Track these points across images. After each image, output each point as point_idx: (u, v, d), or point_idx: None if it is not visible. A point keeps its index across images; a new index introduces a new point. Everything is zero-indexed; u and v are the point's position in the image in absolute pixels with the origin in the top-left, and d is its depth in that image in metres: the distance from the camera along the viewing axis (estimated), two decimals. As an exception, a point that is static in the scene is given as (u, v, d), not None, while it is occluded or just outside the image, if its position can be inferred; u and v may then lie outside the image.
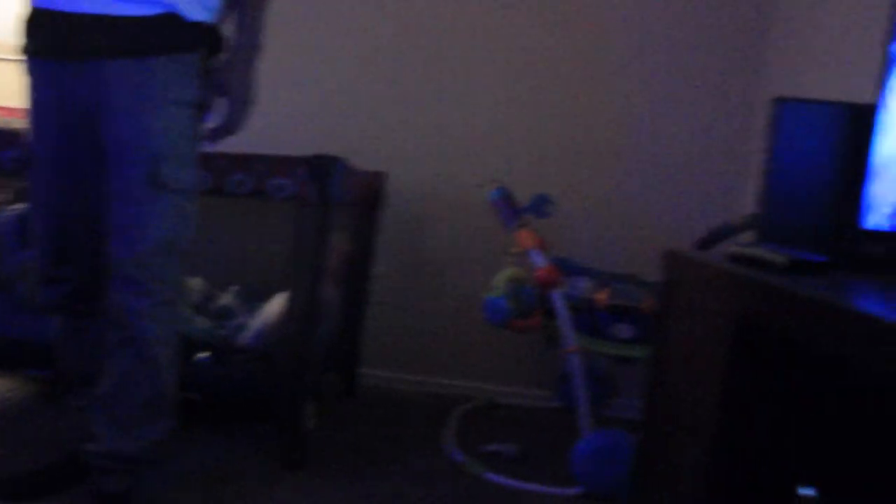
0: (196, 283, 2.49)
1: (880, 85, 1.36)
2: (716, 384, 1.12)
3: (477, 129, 2.81)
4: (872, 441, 1.04)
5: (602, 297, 2.13)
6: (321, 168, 1.98)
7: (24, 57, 1.63)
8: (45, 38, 1.59)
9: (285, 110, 2.79)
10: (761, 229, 1.48)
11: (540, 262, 2.12)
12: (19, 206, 2.36)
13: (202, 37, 1.63)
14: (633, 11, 2.78)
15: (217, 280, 2.57)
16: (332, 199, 1.98)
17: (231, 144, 1.82)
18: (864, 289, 1.09)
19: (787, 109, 1.45)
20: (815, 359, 1.10)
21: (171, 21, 1.56)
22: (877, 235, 1.33)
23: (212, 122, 1.71)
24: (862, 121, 1.40)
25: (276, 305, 2.21)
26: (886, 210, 1.29)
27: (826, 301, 0.84)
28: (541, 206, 2.35)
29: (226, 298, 2.48)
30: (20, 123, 1.84)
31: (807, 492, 0.95)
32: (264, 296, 2.39)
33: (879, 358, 0.71)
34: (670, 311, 1.48)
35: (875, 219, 1.32)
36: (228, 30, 1.73)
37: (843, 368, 1.11)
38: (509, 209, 2.23)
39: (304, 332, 2.02)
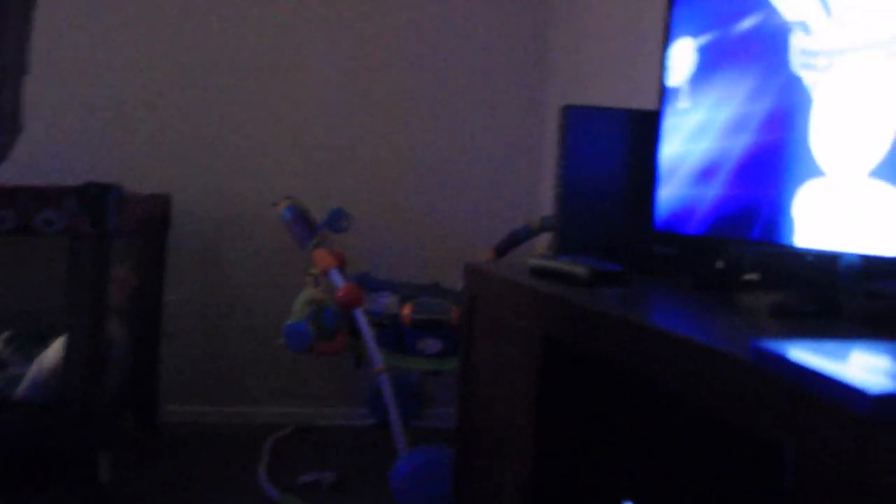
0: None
1: (661, 91, 1.39)
2: (529, 401, 1.10)
3: (267, 144, 2.69)
4: (682, 451, 1.04)
5: (407, 312, 2.09)
6: (94, 197, 1.81)
7: None
8: None
9: (51, 135, 2.54)
10: (557, 235, 1.48)
11: (339, 281, 2.05)
12: None
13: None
14: (419, 21, 2.76)
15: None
16: (109, 230, 1.81)
17: (-16, 179, 1.61)
18: (659, 298, 1.10)
19: (575, 116, 1.45)
20: (620, 374, 1.09)
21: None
22: (666, 237, 1.35)
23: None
24: (646, 126, 1.43)
25: (54, 351, 2.00)
26: (673, 212, 1.32)
27: (624, 318, 0.83)
28: (337, 220, 2.28)
29: (-5, 347, 2.23)
30: None
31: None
32: (41, 341, 2.16)
33: (675, 371, 0.70)
34: (474, 326, 1.45)
35: (664, 220, 1.35)
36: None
37: (649, 383, 1.11)
38: (303, 228, 2.13)
39: (88, 378, 1.83)
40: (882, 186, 0.84)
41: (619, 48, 2.30)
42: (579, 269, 1.14)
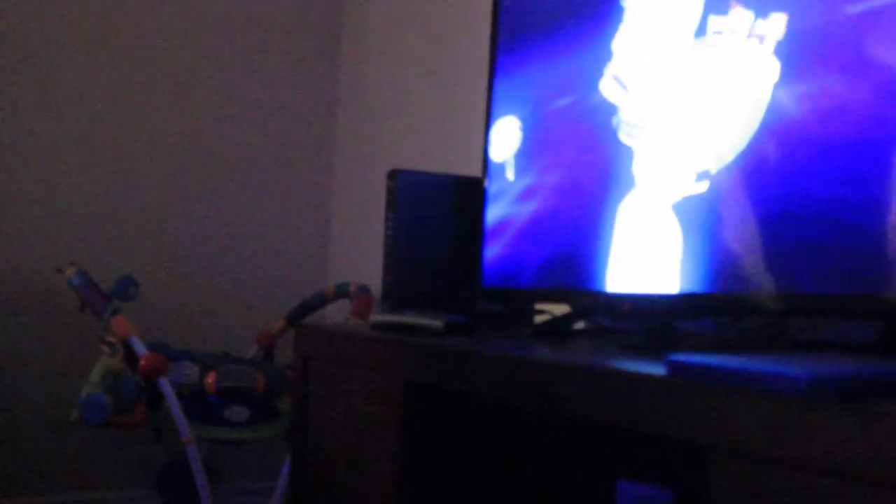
0: None
1: (485, 161, 1.51)
2: (392, 451, 1.12)
3: (47, 205, 2.51)
4: (554, 478, 1.11)
5: (211, 380, 2.02)
6: None
7: None
8: None
9: None
10: (388, 295, 1.53)
11: (141, 349, 1.95)
12: None
13: None
14: (210, 85, 2.73)
15: None
16: None
17: None
18: (516, 343, 1.18)
19: (402, 181, 1.52)
20: (494, 412, 1.15)
21: None
22: (494, 293, 1.45)
23: None
24: (472, 192, 1.53)
25: None
26: (500, 270, 1.42)
27: (502, 355, 0.89)
28: (125, 288, 2.17)
29: None
30: None
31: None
32: None
33: (580, 398, 0.77)
34: (309, 387, 1.45)
35: (491, 278, 1.44)
36: None
37: (534, 417, 1.18)
38: (96, 294, 2.02)
39: None
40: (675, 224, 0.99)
41: (422, 122, 2.43)
42: (433, 321, 1.20)
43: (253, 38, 2.79)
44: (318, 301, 2.44)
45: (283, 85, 2.84)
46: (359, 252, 2.72)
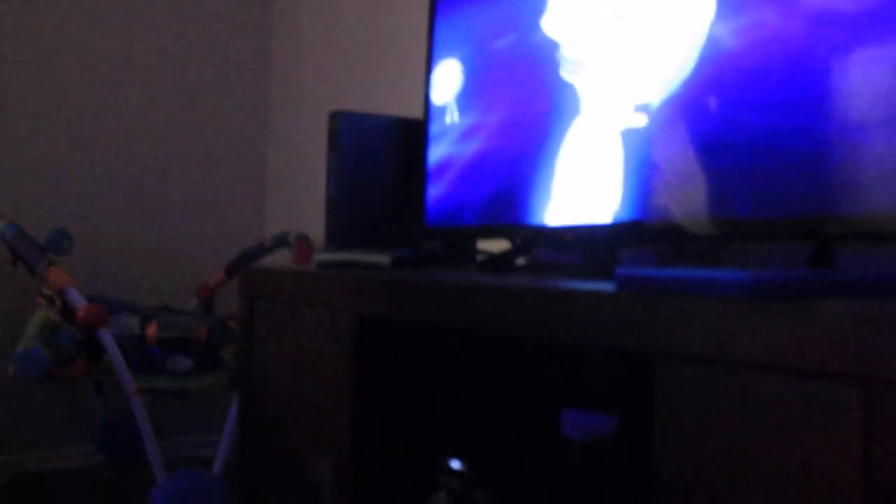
0: None
1: (426, 99, 1.51)
2: (345, 385, 1.14)
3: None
4: (503, 407, 1.14)
5: (152, 331, 2.00)
6: None
7: None
8: None
9: None
10: (330, 237, 1.53)
11: (79, 301, 1.92)
12: None
13: None
14: (135, 39, 2.66)
15: None
16: None
17: None
18: (461, 274, 1.19)
19: (344, 122, 1.52)
20: (441, 340, 1.17)
21: None
22: (439, 232, 1.46)
23: None
24: (414, 133, 1.54)
25: None
26: (444, 209, 1.44)
27: (449, 282, 0.91)
28: (59, 241, 2.13)
29: None
30: None
31: (454, 464, 1.01)
32: None
33: (533, 319, 0.80)
34: (255, 330, 1.46)
35: (435, 218, 1.46)
36: None
37: (486, 340, 1.21)
38: (31, 246, 1.97)
39: None
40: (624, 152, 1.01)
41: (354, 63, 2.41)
42: (380, 257, 1.21)
43: (182, -15, 2.72)
44: (258, 250, 2.43)
45: (215, 30, 2.78)
46: (297, 200, 2.70)
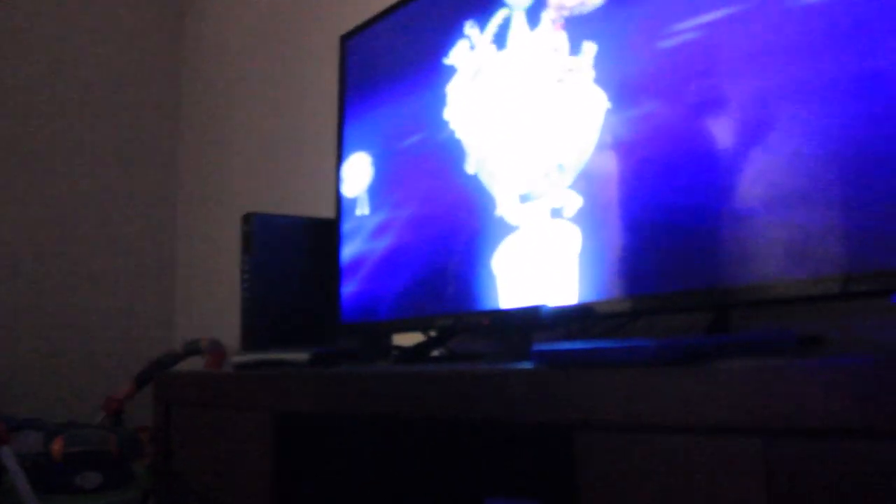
0: None
1: (338, 200, 1.55)
2: (266, 488, 1.12)
3: None
4: (427, 496, 1.14)
5: (58, 447, 1.93)
6: None
7: None
8: None
9: None
10: (246, 339, 1.53)
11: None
12: None
13: None
14: (46, 136, 2.64)
15: None
16: None
17: None
18: (383, 368, 1.20)
19: (258, 224, 1.54)
20: (361, 434, 1.18)
21: None
22: (354, 328, 1.48)
23: None
24: (326, 231, 1.56)
25: None
26: (359, 305, 1.46)
27: (368, 373, 0.93)
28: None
29: None
30: None
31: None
32: None
33: (456, 402, 0.82)
34: (172, 436, 1.43)
35: (350, 314, 1.47)
36: None
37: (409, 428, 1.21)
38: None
39: None
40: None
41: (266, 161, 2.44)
42: (298, 355, 1.21)
43: (90, 89, 2.73)
44: (169, 360, 2.38)
45: (123, 134, 2.78)
46: (208, 304, 2.67)
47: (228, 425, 1.24)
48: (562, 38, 1.13)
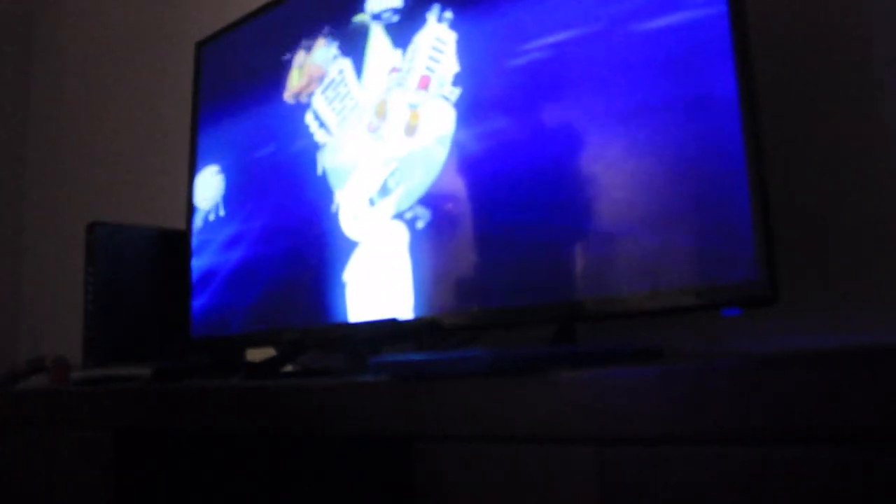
0: None
1: (189, 211, 1.49)
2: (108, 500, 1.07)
3: None
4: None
5: None
6: None
7: None
8: None
9: None
10: (89, 354, 1.45)
11: None
12: None
13: None
14: None
15: None
16: None
17: None
18: (224, 383, 1.17)
19: (102, 234, 1.47)
20: (206, 447, 1.13)
21: None
22: (205, 341, 1.43)
23: None
24: (176, 243, 1.50)
25: None
26: (210, 318, 1.41)
27: (211, 388, 0.90)
28: None
29: None
30: None
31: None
32: None
33: (265, 422, 0.80)
34: (8, 458, 1.34)
35: (201, 328, 1.42)
36: None
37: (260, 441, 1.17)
38: None
39: None
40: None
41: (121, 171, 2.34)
42: (140, 370, 1.16)
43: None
44: (9, 378, 2.23)
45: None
46: (53, 319, 2.53)
47: (65, 446, 1.18)
48: (418, 55, 1.13)
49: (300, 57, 1.32)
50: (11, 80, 2.73)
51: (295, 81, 1.32)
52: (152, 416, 1.00)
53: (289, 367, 1.39)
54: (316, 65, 1.29)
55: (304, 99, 1.30)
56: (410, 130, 1.12)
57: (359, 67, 1.22)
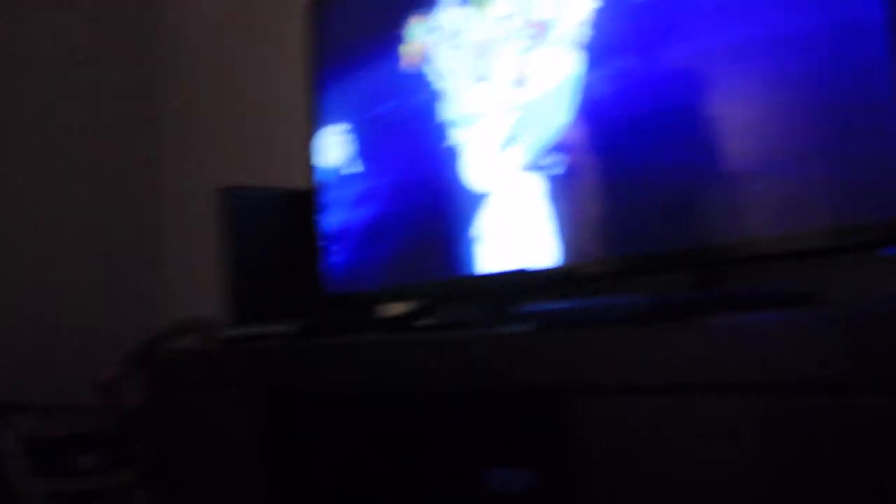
0: None
1: (312, 171, 1.52)
2: (260, 463, 1.12)
3: None
4: (425, 468, 1.14)
5: (54, 428, 1.92)
6: None
7: None
8: None
9: None
10: (231, 315, 1.51)
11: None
12: None
13: None
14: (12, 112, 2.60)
15: None
16: None
17: None
18: (373, 335, 1.19)
19: (234, 198, 1.52)
20: (356, 404, 1.18)
21: None
22: (336, 300, 1.46)
23: None
24: (305, 202, 1.54)
25: None
26: (346, 275, 1.45)
27: (363, 343, 0.92)
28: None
29: None
30: None
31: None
32: None
33: (419, 378, 0.81)
34: (165, 417, 1.42)
35: (337, 285, 1.46)
36: None
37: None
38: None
39: None
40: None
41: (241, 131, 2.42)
42: (288, 327, 1.21)
43: (59, 63, 2.68)
44: (160, 338, 2.35)
45: (99, 108, 2.73)
46: (191, 281, 2.65)
47: (222, 401, 1.24)
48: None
49: (418, 7, 1.31)
50: (135, 52, 2.83)
51: (414, 33, 1.32)
52: (305, 372, 1.04)
53: (422, 322, 1.42)
54: (434, 15, 1.28)
55: (423, 51, 1.30)
56: (534, 77, 1.11)
57: (478, 16, 1.21)
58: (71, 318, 2.63)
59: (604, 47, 1.01)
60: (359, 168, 1.43)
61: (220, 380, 1.23)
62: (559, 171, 1.06)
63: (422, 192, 1.29)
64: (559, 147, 1.06)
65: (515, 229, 1.12)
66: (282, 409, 1.12)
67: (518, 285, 1.13)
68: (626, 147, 0.98)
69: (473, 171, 1.20)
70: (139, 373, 2.47)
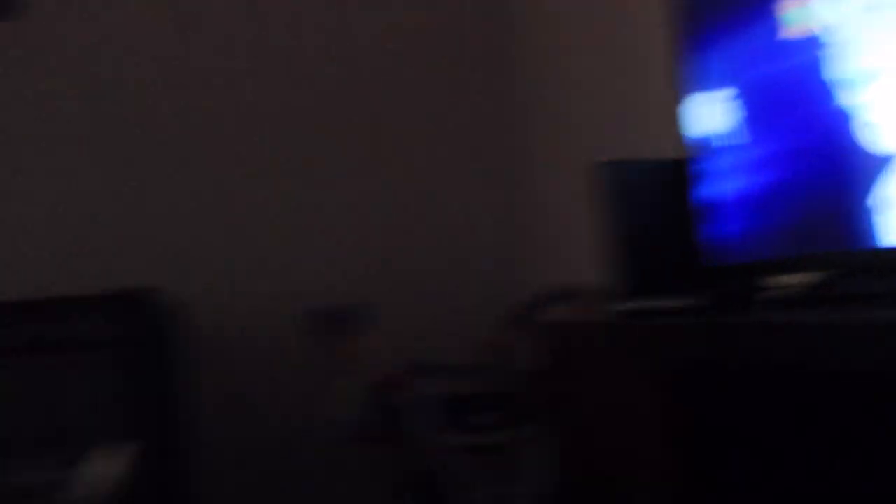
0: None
1: (683, 140, 1.51)
2: (660, 441, 1.14)
3: (275, 238, 2.74)
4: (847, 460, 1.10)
5: (461, 387, 2.12)
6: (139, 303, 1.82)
7: None
8: None
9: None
10: (623, 288, 1.54)
11: (384, 365, 2.08)
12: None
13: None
14: (384, 98, 2.87)
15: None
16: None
17: None
18: (754, 310, 1.16)
19: (612, 171, 1.55)
20: (769, 384, 1.16)
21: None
22: (718, 272, 1.45)
23: None
24: (683, 171, 1.54)
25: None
26: (723, 246, 1.42)
27: (787, 322, 0.89)
28: (365, 311, 2.32)
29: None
30: None
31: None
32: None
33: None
34: (560, 384, 1.50)
35: (714, 258, 1.44)
36: None
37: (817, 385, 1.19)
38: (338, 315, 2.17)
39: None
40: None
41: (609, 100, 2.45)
42: (690, 301, 1.21)
43: (427, 38, 2.89)
44: (541, 303, 2.45)
45: (465, 80, 2.91)
46: (561, 249, 2.75)
47: (625, 375, 1.27)
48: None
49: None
50: (503, 35, 2.97)
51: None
52: (712, 349, 1.03)
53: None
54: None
55: (805, 4, 1.23)
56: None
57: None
58: (454, 286, 2.86)
59: None
60: (740, 135, 1.39)
61: (624, 352, 1.27)
62: None
63: (812, 158, 1.23)
64: None
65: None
66: (691, 387, 1.13)
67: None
68: None
69: (874, 132, 1.12)
70: (520, 336, 2.63)
